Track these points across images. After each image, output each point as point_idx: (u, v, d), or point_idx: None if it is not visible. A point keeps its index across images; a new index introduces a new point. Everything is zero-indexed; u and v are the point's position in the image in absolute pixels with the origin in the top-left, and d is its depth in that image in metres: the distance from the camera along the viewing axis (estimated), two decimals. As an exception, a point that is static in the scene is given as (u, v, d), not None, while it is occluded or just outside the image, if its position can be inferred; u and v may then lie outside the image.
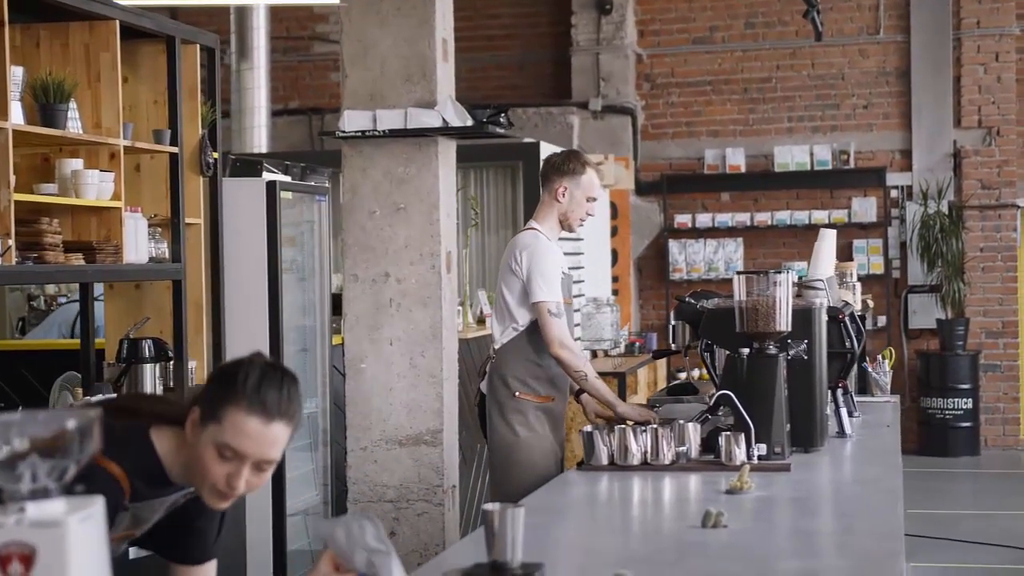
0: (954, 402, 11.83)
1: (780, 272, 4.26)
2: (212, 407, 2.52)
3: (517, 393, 5.02)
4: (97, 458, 2.44)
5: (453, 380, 5.54)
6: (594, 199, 5.15)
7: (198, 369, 5.72)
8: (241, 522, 5.58)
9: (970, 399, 11.86)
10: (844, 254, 11.99)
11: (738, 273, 4.30)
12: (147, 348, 5.31)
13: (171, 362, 5.46)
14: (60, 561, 1.65)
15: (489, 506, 2.69)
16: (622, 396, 8.72)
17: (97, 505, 1.72)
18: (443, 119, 5.33)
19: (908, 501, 9.05)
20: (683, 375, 10.33)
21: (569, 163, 5.13)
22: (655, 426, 4.16)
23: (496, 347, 5.16)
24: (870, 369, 6.14)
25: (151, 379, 5.30)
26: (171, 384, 5.48)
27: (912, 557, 7.71)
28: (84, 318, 5.58)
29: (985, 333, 12.19)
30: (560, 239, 9.09)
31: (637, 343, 10.52)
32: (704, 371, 5.92)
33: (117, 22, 5.04)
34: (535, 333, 5.00)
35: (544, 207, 5.16)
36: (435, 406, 5.40)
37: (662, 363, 10.74)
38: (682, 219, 12.55)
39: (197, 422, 2.54)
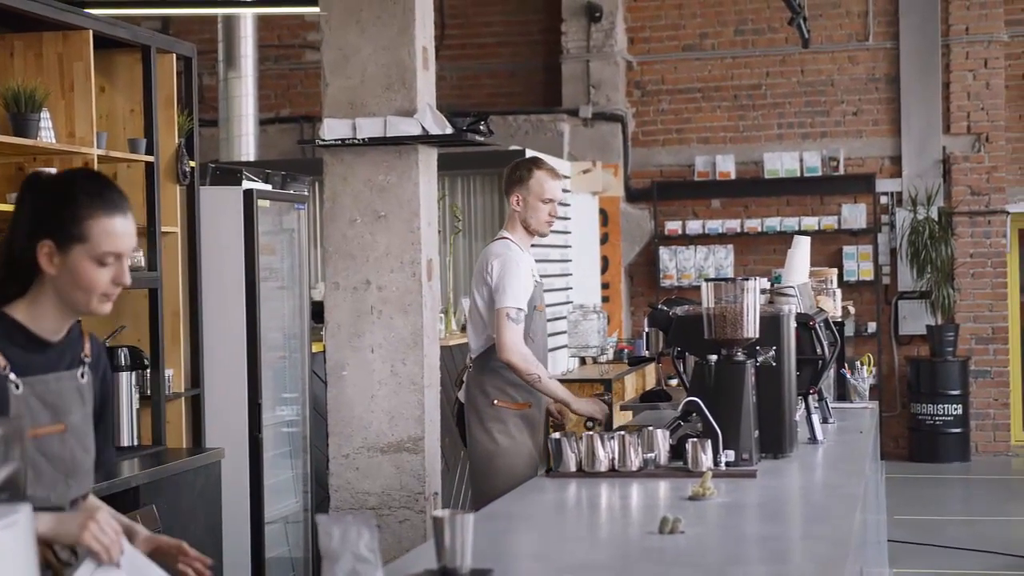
0: (944, 408, 11.84)
1: (748, 279, 4.27)
2: (69, 230, 2.60)
3: (496, 401, 5.09)
4: None
5: (435, 387, 5.55)
6: (550, 200, 5.21)
7: (175, 377, 5.73)
8: (218, 529, 5.58)
9: (960, 405, 11.86)
10: (834, 260, 12.01)
11: (706, 280, 4.31)
12: (123, 356, 5.32)
13: (147, 370, 5.47)
14: (-19, 568, 1.67)
15: (438, 513, 2.71)
16: (610, 405, 8.73)
17: (22, 513, 1.74)
18: (422, 127, 5.33)
19: (896, 507, 9.10)
20: (674, 382, 10.33)
21: (516, 171, 5.25)
22: (623, 433, 4.18)
23: (473, 356, 5.21)
24: (848, 375, 6.14)
25: (127, 387, 5.31)
26: (148, 392, 5.49)
27: (897, 563, 7.72)
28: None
29: (975, 339, 12.20)
30: (547, 246, 9.14)
31: (626, 350, 10.52)
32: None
33: (91, 32, 5.06)
34: None
35: (509, 217, 5.29)
36: (416, 413, 5.39)
37: (651, 369, 10.74)
38: (672, 226, 12.56)
39: (55, 252, 2.60)
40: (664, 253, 12.55)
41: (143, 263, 5.47)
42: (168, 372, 5.65)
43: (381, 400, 5.39)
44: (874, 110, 12.43)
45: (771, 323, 4.38)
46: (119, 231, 2.62)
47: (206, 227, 5.96)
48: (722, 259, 12.47)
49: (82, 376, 2.73)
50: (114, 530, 2.50)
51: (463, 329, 8.57)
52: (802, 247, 5.48)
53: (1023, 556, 8.17)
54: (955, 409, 11.84)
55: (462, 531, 2.69)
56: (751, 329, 4.23)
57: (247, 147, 10.66)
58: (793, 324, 4.52)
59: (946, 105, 12.27)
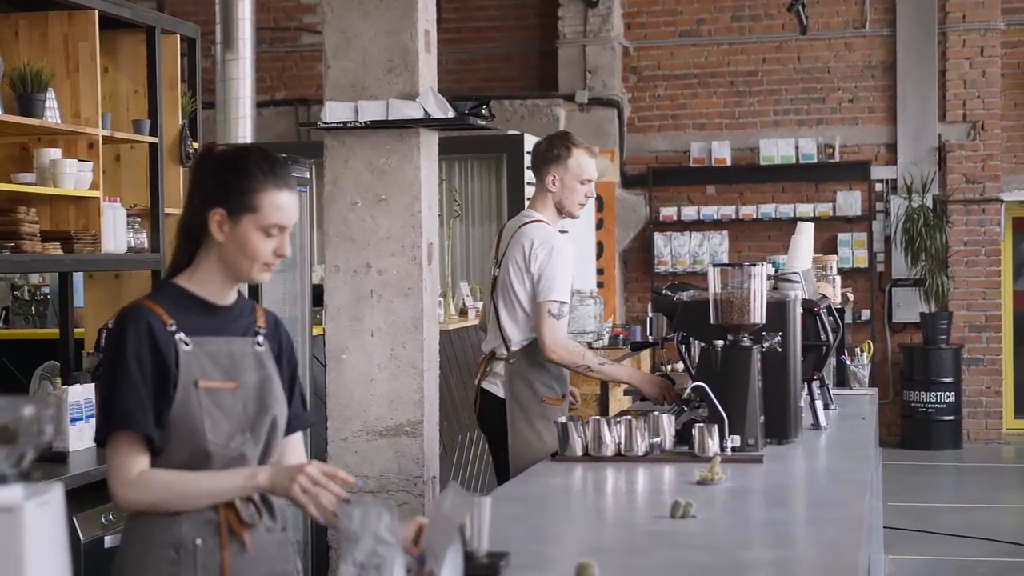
0: (937, 395, 11.88)
1: (755, 265, 4.28)
2: (241, 200, 2.74)
3: (544, 399, 4.92)
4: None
5: (434, 371, 5.55)
6: (588, 180, 4.96)
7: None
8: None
9: (953, 392, 11.90)
10: (829, 247, 12.03)
11: (713, 265, 4.31)
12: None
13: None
14: (16, 546, 1.67)
15: (456, 496, 2.71)
16: (604, 389, 8.73)
17: (55, 492, 1.74)
18: (425, 111, 5.32)
19: (889, 494, 9.13)
20: (667, 367, 10.34)
21: (553, 149, 4.98)
22: (629, 418, 4.18)
23: (513, 348, 4.95)
24: (848, 362, 6.16)
25: (130, 369, 5.30)
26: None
27: (891, 549, 7.75)
28: (63, 307, 5.58)
29: (968, 327, 12.23)
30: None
31: (622, 335, 10.53)
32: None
33: (96, 12, 5.04)
34: None
35: (540, 196, 5.04)
36: (416, 397, 5.39)
37: (646, 355, 10.76)
38: (668, 212, 12.57)
39: (226, 220, 2.75)
40: (659, 239, 12.56)
41: (146, 244, 5.46)
42: (170, 353, 5.63)
43: (380, 384, 5.39)
44: (870, 97, 12.44)
45: (777, 309, 4.39)
46: (286, 205, 2.76)
47: (208, 209, 5.94)
48: (717, 245, 12.48)
49: (258, 344, 2.85)
50: (326, 477, 2.64)
51: (462, 313, 8.56)
52: (806, 233, 5.47)
53: (1015, 543, 8.21)
54: (948, 397, 11.88)
55: (479, 514, 2.69)
56: (758, 315, 4.24)
57: (244, 129, 10.57)
58: (799, 310, 4.53)
59: (942, 93, 12.29)
